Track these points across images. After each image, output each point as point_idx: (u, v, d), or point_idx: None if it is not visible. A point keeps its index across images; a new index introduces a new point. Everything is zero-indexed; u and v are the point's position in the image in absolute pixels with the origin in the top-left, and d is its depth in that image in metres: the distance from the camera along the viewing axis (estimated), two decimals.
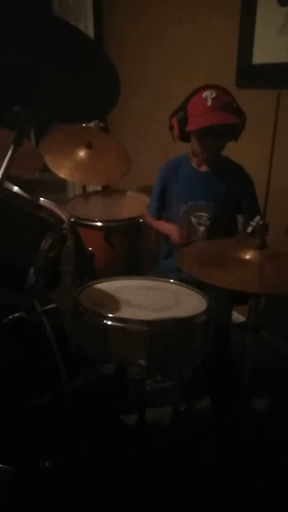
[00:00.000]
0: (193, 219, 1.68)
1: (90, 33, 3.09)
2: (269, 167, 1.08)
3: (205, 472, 1.43)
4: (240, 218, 1.73)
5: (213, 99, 1.51)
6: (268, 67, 1.96)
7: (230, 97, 1.57)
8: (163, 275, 1.59)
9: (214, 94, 1.52)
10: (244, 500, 1.30)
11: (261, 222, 1.11)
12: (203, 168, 1.69)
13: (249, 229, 1.14)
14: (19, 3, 0.94)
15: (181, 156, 1.74)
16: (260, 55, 1.99)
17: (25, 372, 1.33)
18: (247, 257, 1.08)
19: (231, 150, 1.68)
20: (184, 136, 1.64)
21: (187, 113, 1.58)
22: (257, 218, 1.13)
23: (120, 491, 1.30)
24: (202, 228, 1.68)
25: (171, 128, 1.65)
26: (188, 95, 1.59)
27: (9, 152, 1.01)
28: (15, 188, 1.37)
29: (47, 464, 1.26)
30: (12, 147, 1.00)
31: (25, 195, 1.24)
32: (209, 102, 1.51)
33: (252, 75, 2.03)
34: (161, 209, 1.79)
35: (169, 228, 1.71)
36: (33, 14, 0.97)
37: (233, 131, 1.60)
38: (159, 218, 1.81)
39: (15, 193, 1.23)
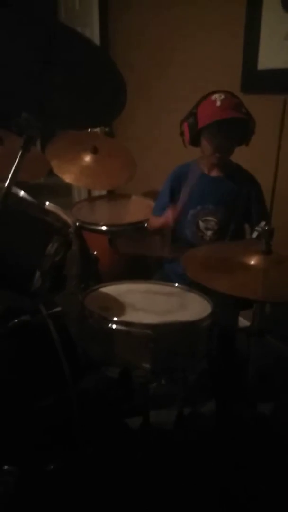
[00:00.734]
0: (201, 224, 1.69)
1: (96, 39, 3.11)
2: (275, 173, 1.08)
3: (209, 476, 1.43)
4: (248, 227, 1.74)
5: (222, 100, 1.54)
6: (273, 73, 1.97)
7: (239, 100, 1.59)
8: (168, 278, 1.59)
9: (222, 96, 1.54)
10: (248, 504, 1.30)
11: (266, 227, 1.12)
12: (213, 173, 1.70)
13: (255, 234, 1.15)
14: (28, 12, 0.95)
15: (191, 161, 1.75)
16: (265, 61, 2.01)
17: (30, 375, 1.34)
18: (252, 262, 1.09)
19: (236, 156, 1.69)
20: (195, 141, 1.64)
21: (197, 117, 1.58)
22: (263, 223, 1.13)
23: (125, 494, 1.31)
24: (209, 233, 1.69)
25: (181, 134, 1.66)
26: (197, 101, 1.60)
27: (18, 158, 1.02)
28: (22, 193, 1.38)
29: (52, 466, 1.26)
30: (20, 153, 1.01)
31: (31, 199, 1.26)
32: (218, 103, 1.54)
33: (257, 80, 2.05)
34: (165, 209, 1.79)
35: (163, 217, 1.70)
36: (40, 21, 0.98)
37: (243, 134, 1.60)
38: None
39: (22, 198, 1.25)
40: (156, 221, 1.80)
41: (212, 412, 1.69)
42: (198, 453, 1.52)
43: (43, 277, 1.18)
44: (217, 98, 1.54)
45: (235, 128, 1.58)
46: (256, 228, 1.13)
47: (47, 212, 1.17)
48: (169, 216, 1.63)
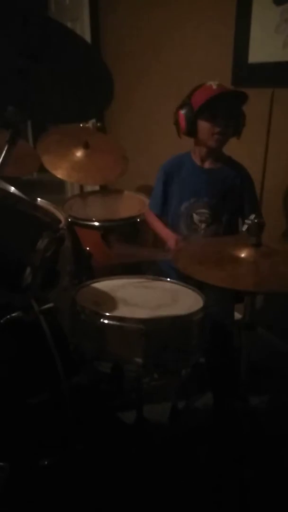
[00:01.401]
0: (195, 216, 1.69)
1: (87, 33, 3.09)
2: (263, 165, 1.08)
3: (204, 469, 1.44)
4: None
5: (218, 85, 1.56)
6: (264, 66, 1.96)
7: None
8: (162, 272, 1.59)
9: (217, 82, 1.57)
10: (243, 495, 1.31)
11: (256, 220, 1.12)
12: (206, 165, 1.70)
13: (245, 227, 1.15)
14: (14, 4, 0.94)
15: (183, 153, 1.74)
16: (256, 54, 2.00)
17: (23, 371, 1.34)
18: (242, 255, 1.09)
19: (228, 148, 1.69)
20: (190, 130, 1.61)
21: (192, 103, 1.57)
22: (252, 216, 1.13)
23: (119, 488, 1.31)
24: (203, 225, 1.69)
25: (175, 123, 1.64)
26: (189, 91, 1.59)
27: (4, 152, 1.01)
28: (12, 189, 1.37)
29: (45, 462, 1.26)
30: (6, 147, 1.00)
31: (21, 195, 1.25)
32: (214, 87, 1.55)
33: (248, 74, 2.04)
34: (164, 204, 1.79)
35: (168, 235, 1.70)
36: (27, 14, 0.97)
37: (236, 124, 1.60)
38: (162, 214, 1.80)
39: (11, 193, 1.24)
40: (157, 226, 1.79)
41: (206, 406, 1.69)
42: (192, 446, 1.53)
43: (34, 273, 1.18)
44: (213, 83, 1.56)
45: (234, 111, 1.58)
46: (246, 220, 1.13)
47: (36, 207, 1.16)
48: (171, 241, 1.64)
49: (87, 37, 3.08)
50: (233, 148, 1.67)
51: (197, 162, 1.70)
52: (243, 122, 1.61)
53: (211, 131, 1.58)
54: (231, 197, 1.67)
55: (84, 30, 3.10)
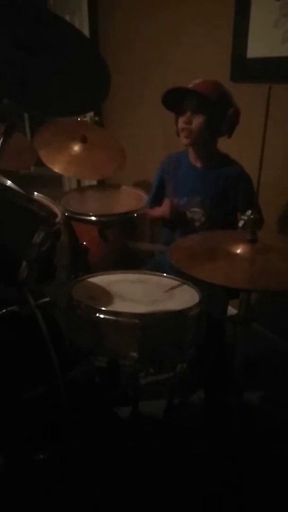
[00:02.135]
0: (189, 214, 1.69)
1: (85, 26, 3.07)
2: (260, 161, 1.08)
3: (198, 464, 1.45)
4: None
5: (196, 83, 1.57)
6: (262, 61, 1.95)
7: (219, 87, 1.58)
8: (159, 268, 1.60)
9: (199, 80, 1.57)
10: (237, 490, 1.32)
11: (252, 216, 1.12)
12: (199, 164, 1.69)
13: (241, 223, 1.15)
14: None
15: (183, 151, 1.74)
16: (255, 49, 1.99)
17: (18, 365, 1.34)
18: (238, 251, 1.09)
19: (223, 144, 1.68)
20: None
21: None
22: (248, 212, 1.13)
23: (114, 483, 1.32)
24: (197, 224, 1.69)
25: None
26: None
27: None
28: (8, 182, 1.37)
29: (41, 456, 1.27)
30: (1, 140, 1.00)
31: (17, 189, 1.24)
32: (190, 85, 1.57)
33: (246, 69, 2.03)
34: (156, 200, 1.80)
35: (161, 208, 1.73)
36: (24, 6, 0.97)
37: (216, 117, 1.57)
38: (151, 207, 1.82)
39: (7, 187, 1.24)
40: (153, 212, 1.81)
41: (201, 401, 1.70)
42: (187, 441, 1.54)
43: (30, 267, 1.18)
44: (196, 80, 1.58)
45: (201, 106, 1.55)
46: (242, 217, 1.13)
47: (32, 201, 1.16)
48: (165, 207, 1.66)
49: (86, 31, 3.05)
50: (230, 144, 1.67)
51: (192, 160, 1.70)
52: (234, 120, 1.59)
53: (178, 128, 1.61)
54: (225, 196, 1.66)
55: (83, 24, 3.08)
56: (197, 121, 1.57)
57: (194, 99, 1.55)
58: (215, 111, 1.55)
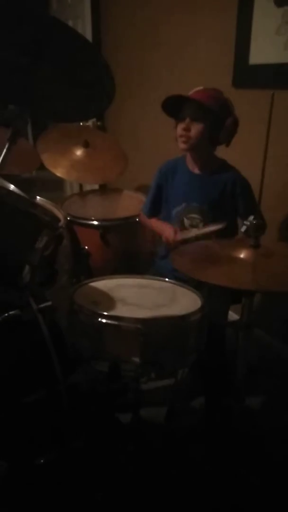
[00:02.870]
0: (186, 221, 1.69)
1: (88, 31, 3.09)
2: (263, 167, 1.08)
3: (199, 468, 1.44)
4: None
5: (196, 91, 1.58)
6: (264, 68, 1.96)
7: (219, 95, 1.58)
8: (160, 275, 1.59)
9: (199, 88, 1.58)
10: (237, 494, 1.31)
11: (255, 222, 1.12)
12: (197, 170, 1.70)
13: (243, 228, 1.15)
14: (16, 2, 0.94)
15: (180, 157, 1.75)
16: (257, 56, 2.00)
17: (20, 369, 1.34)
18: (241, 256, 1.09)
19: (225, 150, 1.69)
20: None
21: None
22: (251, 217, 1.13)
23: (115, 487, 1.31)
24: (194, 230, 1.68)
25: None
26: None
27: (4, 150, 1.01)
28: (11, 187, 1.37)
29: (42, 460, 1.26)
30: (7, 145, 1.00)
31: (20, 193, 1.25)
32: (190, 92, 1.59)
33: (248, 75, 2.04)
34: (154, 208, 1.80)
35: (163, 227, 1.72)
36: (29, 13, 0.97)
37: (215, 126, 1.58)
38: (150, 217, 1.82)
39: (10, 191, 1.24)
40: (153, 226, 1.80)
41: (202, 406, 1.70)
42: (188, 446, 1.53)
43: (33, 271, 1.18)
44: (196, 88, 1.59)
45: (199, 114, 1.56)
46: (245, 222, 1.13)
47: (36, 205, 1.16)
48: (169, 237, 1.63)
49: (89, 36, 3.07)
50: (232, 150, 1.68)
51: (189, 167, 1.71)
52: (230, 131, 1.59)
53: (177, 133, 1.62)
54: (222, 203, 1.66)
55: (86, 29, 3.10)
56: (196, 128, 1.58)
57: (193, 107, 1.57)
58: (214, 120, 1.57)
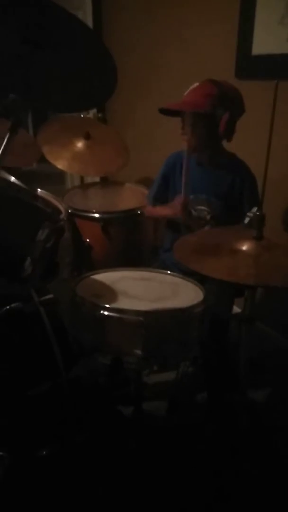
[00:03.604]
0: (194, 213, 1.68)
1: (89, 22, 3.06)
2: (266, 158, 1.07)
3: (202, 461, 1.44)
4: None
5: (192, 89, 1.57)
6: (267, 58, 1.94)
7: (213, 91, 1.54)
8: (165, 268, 1.59)
9: (196, 85, 1.56)
10: (240, 488, 1.32)
11: (257, 213, 1.11)
12: (205, 163, 1.69)
13: (246, 220, 1.14)
14: None
15: (186, 149, 1.73)
16: (260, 46, 1.98)
17: (22, 362, 1.34)
18: (243, 248, 1.08)
19: (233, 142, 1.67)
20: None
21: None
22: (254, 209, 1.13)
23: (117, 481, 1.32)
24: (202, 222, 1.68)
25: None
26: None
27: (5, 141, 1.00)
28: (12, 179, 1.36)
29: (44, 453, 1.27)
30: (8, 135, 0.99)
31: (21, 185, 1.24)
32: (186, 92, 1.57)
33: (251, 66, 2.02)
34: (159, 197, 1.79)
35: (169, 206, 1.71)
36: (29, 1, 0.96)
37: (212, 126, 1.56)
38: (154, 206, 1.81)
39: (12, 183, 1.23)
40: (160, 212, 1.79)
41: (204, 399, 1.70)
42: (191, 439, 1.54)
43: (34, 263, 1.17)
44: (191, 87, 1.57)
45: (196, 118, 1.56)
46: (248, 214, 1.12)
47: (37, 197, 1.15)
48: (177, 206, 1.63)
49: (88, 25, 3.04)
50: (236, 141, 1.66)
51: (197, 159, 1.69)
52: (228, 127, 1.56)
53: (181, 131, 1.61)
54: (230, 195, 1.66)
55: (87, 21, 3.06)
56: (194, 131, 1.58)
57: (188, 115, 1.57)
58: (211, 120, 1.55)
